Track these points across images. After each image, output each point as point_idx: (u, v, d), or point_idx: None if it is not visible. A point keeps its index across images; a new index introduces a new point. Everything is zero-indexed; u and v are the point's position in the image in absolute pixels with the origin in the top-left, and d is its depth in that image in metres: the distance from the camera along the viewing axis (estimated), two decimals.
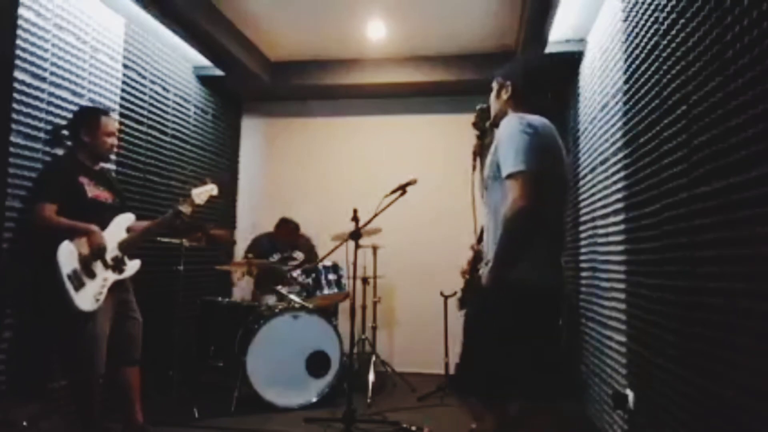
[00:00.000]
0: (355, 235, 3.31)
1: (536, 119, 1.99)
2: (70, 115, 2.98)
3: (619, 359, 2.68)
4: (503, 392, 1.97)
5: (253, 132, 5.53)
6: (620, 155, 2.68)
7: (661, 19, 2.04)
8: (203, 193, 3.06)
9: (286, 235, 4.60)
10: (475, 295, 2.08)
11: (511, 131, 1.93)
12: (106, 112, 2.88)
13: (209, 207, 3.52)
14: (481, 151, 2.29)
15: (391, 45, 4.58)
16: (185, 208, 2.91)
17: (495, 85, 2.21)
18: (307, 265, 4.33)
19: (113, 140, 2.83)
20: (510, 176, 1.87)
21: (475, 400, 2.06)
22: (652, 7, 2.14)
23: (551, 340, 2.00)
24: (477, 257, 2.15)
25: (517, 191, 1.84)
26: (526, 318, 1.90)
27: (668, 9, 1.96)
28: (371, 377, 3.99)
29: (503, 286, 1.90)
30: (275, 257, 4.50)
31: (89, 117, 2.78)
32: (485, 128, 2.29)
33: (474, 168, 2.32)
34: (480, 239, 2.19)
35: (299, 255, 4.59)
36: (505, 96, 2.14)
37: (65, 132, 2.88)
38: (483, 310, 1.99)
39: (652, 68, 2.15)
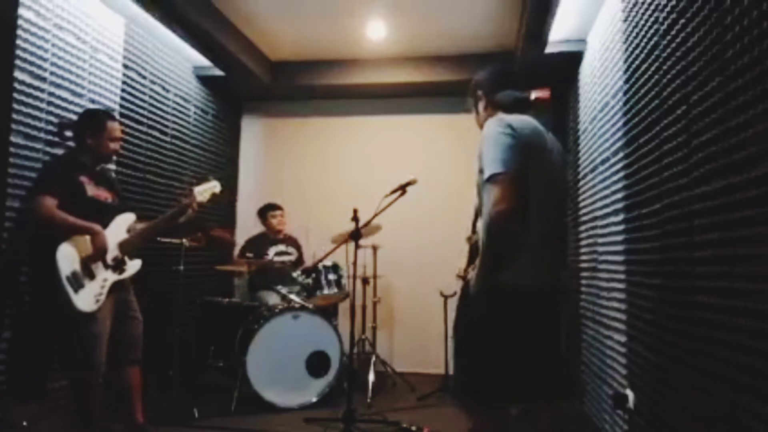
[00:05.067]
0: (355, 235, 3.31)
1: (516, 119, 1.96)
2: (70, 115, 2.98)
3: (619, 359, 2.68)
4: (498, 396, 1.97)
5: (253, 132, 5.53)
6: (620, 155, 2.68)
7: (661, 19, 2.04)
8: (206, 190, 3.05)
9: (264, 220, 4.60)
10: (466, 297, 2.07)
11: (489, 134, 1.93)
12: (112, 116, 2.87)
13: (209, 207, 3.52)
14: None
15: (391, 45, 4.58)
16: (187, 206, 2.91)
17: (470, 102, 2.24)
18: (302, 266, 4.34)
19: (117, 145, 2.82)
20: (489, 179, 1.87)
21: (472, 402, 2.06)
22: (652, 7, 2.14)
23: (546, 342, 1.99)
24: (473, 250, 2.14)
25: (496, 194, 1.84)
26: (517, 321, 1.89)
27: (668, 9, 1.96)
28: (371, 377, 3.99)
29: (493, 290, 1.90)
30: (271, 252, 4.50)
31: (95, 120, 2.77)
32: None
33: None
34: (474, 229, 2.18)
35: (293, 252, 4.60)
36: (481, 107, 2.18)
37: (69, 133, 2.88)
38: (473, 315, 1.98)
39: (652, 68, 2.15)
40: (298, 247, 4.69)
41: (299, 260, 4.59)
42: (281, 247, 4.56)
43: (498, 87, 2.15)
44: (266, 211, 4.63)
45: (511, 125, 1.92)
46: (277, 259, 4.48)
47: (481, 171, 1.97)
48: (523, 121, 1.98)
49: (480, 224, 2.08)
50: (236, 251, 4.65)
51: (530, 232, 1.92)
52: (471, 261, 2.12)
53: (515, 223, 1.86)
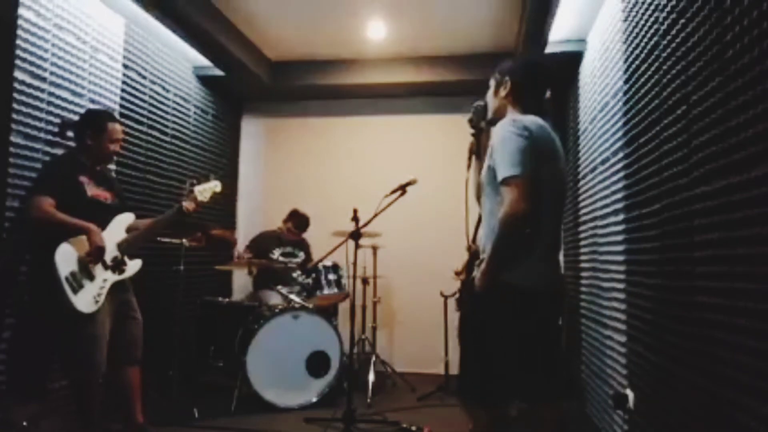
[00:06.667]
0: (355, 235, 3.31)
1: (531, 121, 1.96)
2: (70, 115, 2.98)
3: (619, 359, 2.68)
4: (499, 395, 1.97)
5: (253, 132, 5.53)
6: (620, 155, 2.68)
7: (661, 19, 2.04)
8: (206, 190, 3.05)
9: (297, 227, 4.60)
10: (469, 298, 2.07)
11: (505, 135, 1.91)
12: (113, 117, 2.88)
13: (209, 207, 3.51)
14: (477, 149, 2.28)
15: (391, 45, 4.58)
16: (188, 205, 2.91)
17: (493, 82, 2.19)
18: (307, 266, 4.35)
19: (117, 146, 2.82)
20: (505, 181, 1.86)
21: (473, 402, 2.06)
22: (652, 7, 2.14)
23: (548, 343, 1.99)
24: (473, 257, 2.14)
25: (512, 196, 1.84)
26: (521, 322, 1.90)
27: (668, 9, 1.96)
28: (371, 377, 3.99)
29: (498, 290, 1.90)
30: (277, 252, 4.49)
31: (96, 121, 2.77)
32: (480, 126, 2.27)
33: (468, 166, 2.31)
34: (475, 238, 2.18)
35: (300, 255, 4.60)
36: (503, 93, 2.12)
37: (70, 132, 2.87)
38: (478, 313, 1.98)
39: (652, 68, 2.15)
40: (306, 250, 4.68)
41: (306, 263, 4.58)
42: (288, 249, 4.57)
43: (528, 80, 2.12)
44: (291, 218, 4.64)
45: (527, 127, 1.91)
46: (282, 259, 4.48)
47: (490, 168, 1.96)
48: (538, 123, 1.98)
49: (482, 231, 2.08)
50: (243, 247, 4.64)
51: (540, 234, 1.93)
52: (470, 265, 2.12)
53: (527, 225, 1.86)
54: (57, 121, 2.91)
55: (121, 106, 3.54)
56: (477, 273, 1.98)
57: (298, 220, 4.61)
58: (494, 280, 1.90)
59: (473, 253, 2.15)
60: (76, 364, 2.58)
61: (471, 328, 2.04)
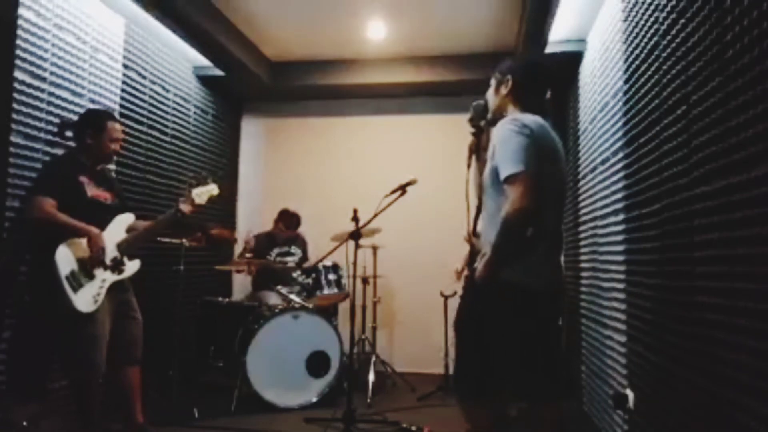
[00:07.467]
0: (355, 235, 3.31)
1: (531, 120, 1.96)
2: (70, 115, 2.98)
3: (619, 359, 2.68)
4: (495, 392, 1.97)
5: (253, 132, 5.53)
6: (620, 155, 2.68)
7: (661, 19, 2.04)
8: (204, 193, 3.05)
9: (287, 227, 4.61)
10: (471, 291, 2.06)
11: (506, 134, 1.91)
12: (113, 116, 2.88)
13: (209, 207, 3.51)
14: (477, 148, 2.28)
15: (391, 45, 4.58)
16: (185, 208, 2.91)
17: (494, 81, 2.18)
18: (305, 265, 4.35)
19: (117, 145, 2.81)
20: (509, 178, 1.86)
21: (469, 397, 2.06)
22: (652, 7, 2.14)
23: (549, 342, 1.99)
24: (473, 253, 2.13)
25: (517, 192, 1.83)
26: (522, 319, 1.89)
27: (668, 9, 1.96)
28: (371, 377, 3.99)
29: (498, 287, 1.89)
30: (274, 253, 4.50)
31: (96, 121, 2.77)
32: (481, 125, 2.28)
33: (469, 165, 2.32)
34: (474, 231, 2.17)
35: (297, 252, 4.60)
36: (504, 91, 2.11)
37: (69, 132, 2.88)
38: (478, 309, 1.98)
39: (652, 68, 2.15)
40: (303, 247, 4.68)
41: (303, 260, 4.58)
42: (284, 248, 4.57)
43: (529, 79, 2.11)
44: (281, 218, 4.65)
45: (527, 125, 1.91)
46: (279, 260, 4.49)
47: (492, 169, 1.96)
48: (538, 122, 1.97)
49: (481, 224, 2.08)
50: (240, 248, 4.65)
51: (541, 233, 1.92)
52: (472, 261, 2.12)
53: (531, 222, 1.86)
54: (57, 121, 2.91)
55: (121, 106, 3.54)
56: (478, 263, 1.96)
57: (288, 220, 4.62)
58: (495, 276, 1.89)
59: (472, 248, 2.15)
60: (76, 364, 2.58)
61: (469, 321, 2.03)
